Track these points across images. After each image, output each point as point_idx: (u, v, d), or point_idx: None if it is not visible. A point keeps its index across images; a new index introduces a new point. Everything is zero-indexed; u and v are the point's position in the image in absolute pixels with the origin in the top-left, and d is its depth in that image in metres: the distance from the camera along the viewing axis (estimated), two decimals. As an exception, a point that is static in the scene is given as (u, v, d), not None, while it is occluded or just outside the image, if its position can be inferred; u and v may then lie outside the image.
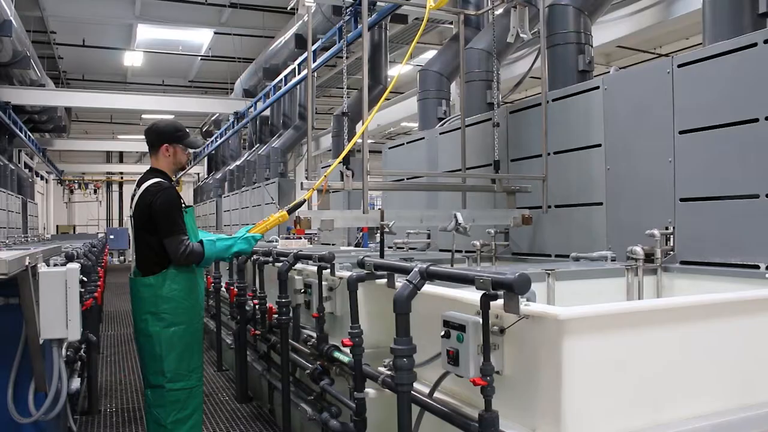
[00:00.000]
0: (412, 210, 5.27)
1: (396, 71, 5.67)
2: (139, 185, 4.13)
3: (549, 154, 5.11)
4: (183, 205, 4.13)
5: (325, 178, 4.49)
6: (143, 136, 4.33)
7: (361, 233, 9.39)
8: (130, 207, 4.18)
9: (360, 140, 4.62)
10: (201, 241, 4.10)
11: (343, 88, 5.24)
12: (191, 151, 4.47)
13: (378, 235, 4.75)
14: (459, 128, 5.83)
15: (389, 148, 7.80)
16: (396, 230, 4.78)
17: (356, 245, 9.27)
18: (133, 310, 4.12)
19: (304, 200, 4.45)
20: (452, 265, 4.96)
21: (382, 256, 4.53)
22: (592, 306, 2.30)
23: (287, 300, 4.74)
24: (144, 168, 4.32)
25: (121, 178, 35.73)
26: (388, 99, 16.40)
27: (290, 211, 4.41)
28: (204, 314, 4.60)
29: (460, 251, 5.81)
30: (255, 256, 5.70)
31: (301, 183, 4.64)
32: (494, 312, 2.40)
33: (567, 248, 4.90)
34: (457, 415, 2.54)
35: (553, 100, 5.13)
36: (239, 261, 6.30)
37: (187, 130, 4.37)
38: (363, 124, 4.53)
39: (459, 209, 5.18)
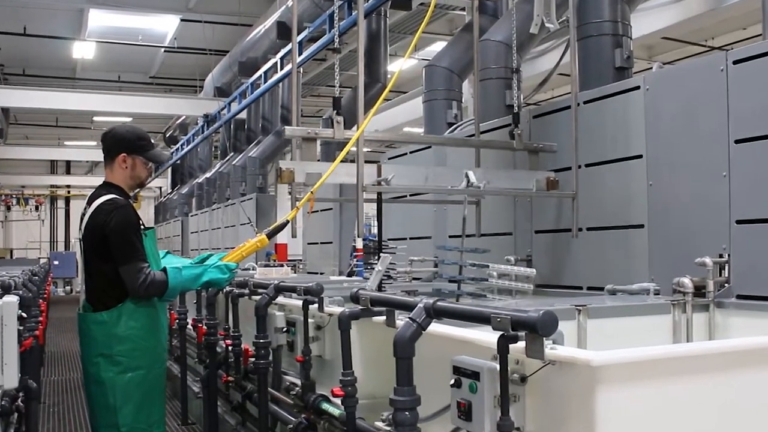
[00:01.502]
0: (416, 166, 5.24)
1: (397, 66, 5.70)
2: (90, 202, 4.13)
3: (580, 166, 5.12)
4: (142, 227, 4.13)
5: (311, 194, 4.49)
6: (96, 143, 4.35)
7: (355, 260, 9.40)
8: (80, 228, 4.17)
9: (354, 148, 4.64)
10: (164, 269, 4.09)
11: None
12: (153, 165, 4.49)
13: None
14: (472, 135, 5.86)
15: (389, 158, 7.82)
16: (400, 252, 4.79)
17: (349, 274, 9.26)
18: (82, 352, 4.10)
19: (287, 221, 4.42)
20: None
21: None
22: (631, 350, 2.30)
23: (266, 340, 4.73)
24: (96, 181, 4.34)
25: (68, 192, 35.78)
26: (388, 99, 16.48)
27: (270, 236, 4.36)
28: (167, 357, 4.60)
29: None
30: (228, 288, 5.69)
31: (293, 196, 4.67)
32: (514, 357, 2.40)
33: (601, 279, 4.90)
34: (469, 480, 2.53)
35: (585, 103, 5.15)
36: (209, 293, 6.29)
37: (152, 141, 4.39)
38: (358, 128, 4.55)
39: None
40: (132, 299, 4.01)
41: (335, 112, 4.83)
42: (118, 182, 4.22)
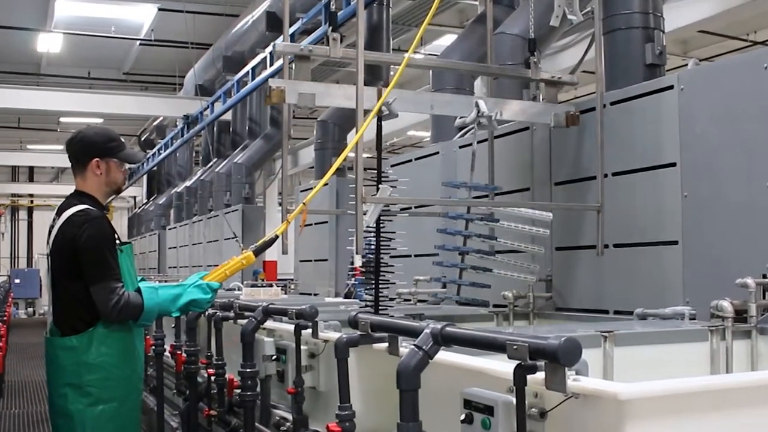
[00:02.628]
0: (421, 93, 5.26)
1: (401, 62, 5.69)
2: (59, 213, 4.14)
3: (606, 175, 5.13)
4: (117, 241, 4.15)
5: (304, 205, 4.50)
6: (63, 147, 4.37)
7: (353, 279, 9.39)
8: (47, 242, 4.18)
9: (352, 154, 4.65)
10: (139, 290, 4.10)
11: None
12: (128, 167, 4.50)
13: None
14: (485, 140, 5.87)
15: (392, 165, 7.83)
16: (401, 275, 4.80)
17: (347, 296, 9.27)
18: (49, 381, 4.12)
19: (277, 236, 4.40)
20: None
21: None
22: (664, 381, 2.30)
23: (253, 370, 4.72)
24: (63, 189, 4.40)
25: (31, 202, 35.85)
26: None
27: (258, 252, 4.36)
28: (142, 388, 4.61)
29: (486, 304, 5.82)
30: (210, 311, 5.70)
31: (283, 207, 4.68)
32: (532, 389, 2.40)
33: (630, 302, 4.90)
34: None
35: (612, 104, 5.16)
36: (189, 317, 6.29)
37: (123, 141, 4.42)
38: (357, 132, 4.56)
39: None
40: (104, 323, 4.01)
41: (330, 28, 4.86)
42: (92, 191, 4.25)
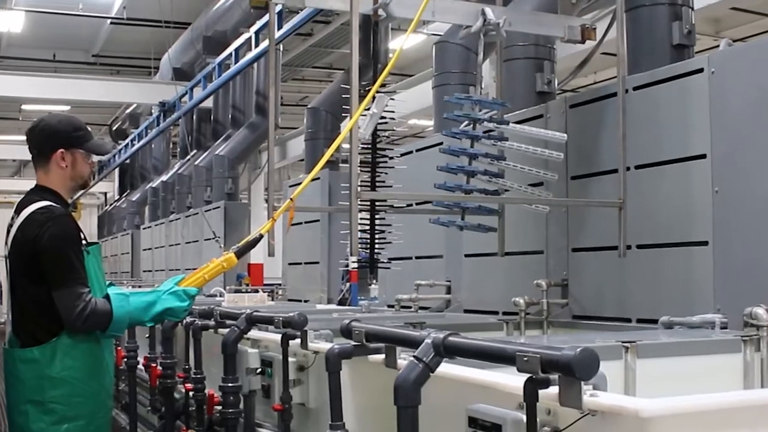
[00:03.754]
0: None
1: (400, 43, 5.70)
2: (18, 211, 4.13)
3: (628, 168, 5.13)
4: (84, 242, 4.15)
5: (291, 202, 4.50)
6: (24, 138, 4.37)
7: (347, 283, 9.40)
8: (6, 242, 4.17)
9: (346, 144, 4.64)
10: (107, 297, 4.10)
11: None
12: (95, 159, 4.50)
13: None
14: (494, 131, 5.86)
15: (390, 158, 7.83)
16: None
17: (340, 302, 9.28)
18: (8, 398, 4.13)
19: (261, 236, 4.39)
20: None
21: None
22: (691, 397, 2.30)
23: (236, 384, 4.73)
24: (25, 185, 4.43)
25: (-11, 198, 35.80)
26: (389, 84, 16.46)
27: (240, 254, 4.36)
28: (113, 404, 4.61)
29: (495, 312, 5.82)
30: (189, 319, 5.70)
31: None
32: (545, 405, 2.40)
33: (655, 309, 4.91)
34: None
35: (635, 89, 5.16)
36: (164, 326, 6.29)
37: (89, 130, 4.42)
38: (350, 118, 4.56)
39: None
40: (68, 333, 4.01)
41: None
42: (55, 186, 4.25)
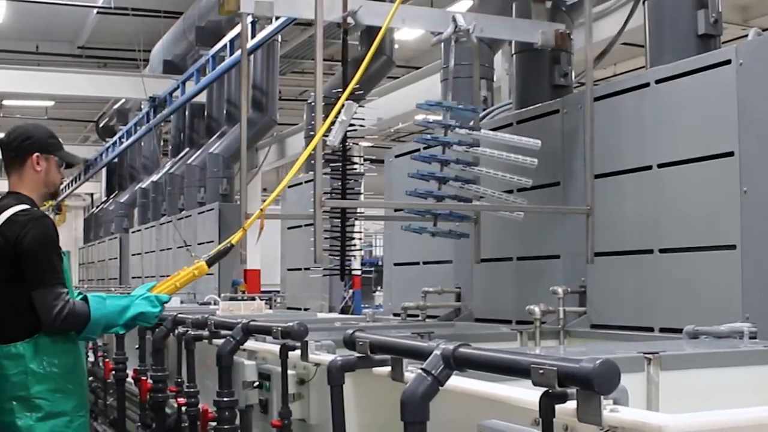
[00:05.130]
0: (388, 4, 5.45)
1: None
2: None
3: (650, 167, 5.13)
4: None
5: (261, 212, 4.65)
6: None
7: (350, 290, 9.40)
8: None
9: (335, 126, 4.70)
10: (85, 298, 4.33)
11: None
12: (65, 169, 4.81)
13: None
14: (509, 124, 5.87)
15: (395, 156, 7.83)
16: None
17: (343, 311, 9.28)
18: None
19: (231, 246, 4.73)
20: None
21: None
22: (718, 412, 2.30)
23: (232, 399, 4.73)
24: (5, 185, 4.61)
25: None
26: (395, 77, 16.49)
27: (211, 262, 4.69)
28: (87, 407, 4.81)
29: (508, 322, 5.81)
30: (182, 328, 5.70)
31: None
32: (562, 421, 2.39)
33: (679, 318, 4.90)
34: None
35: (657, 82, 5.16)
36: (155, 336, 6.30)
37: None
38: (342, 97, 4.59)
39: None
40: (46, 333, 4.24)
41: None
42: (29, 191, 4.52)
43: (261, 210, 4.70)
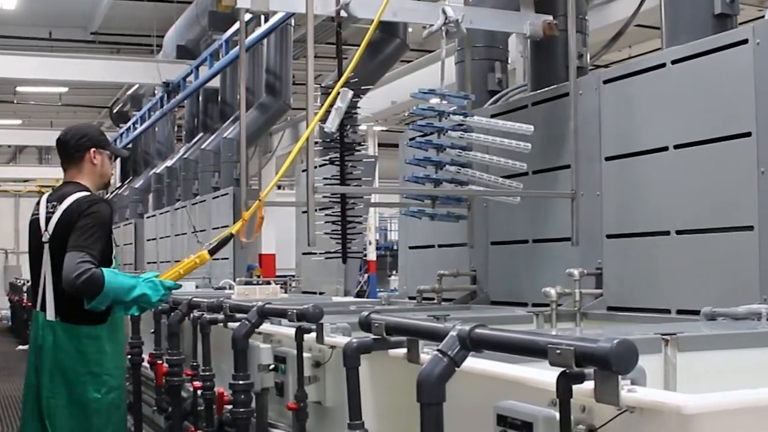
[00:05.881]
0: None
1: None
2: (59, 200, 4.90)
3: (666, 148, 5.12)
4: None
5: (260, 203, 4.71)
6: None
7: (365, 275, 9.41)
8: (45, 228, 4.95)
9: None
10: (100, 270, 4.71)
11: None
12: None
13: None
14: (524, 106, 5.86)
15: (410, 140, 7.82)
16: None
17: (358, 295, 9.29)
18: (62, 368, 4.86)
19: (231, 236, 5.15)
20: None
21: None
22: (736, 393, 2.29)
23: (247, 382, 4.74)
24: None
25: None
26: (408, 61, 16.45)
27: (213, 251, 5.08)
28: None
29: (524, 304, 5.81)
30: (197, 312, 5.72)
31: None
32: (579, 402, 2.40)
33: (696, 299, 4.89)
34: None
35: (673, 63, 5.15)
36: (170, 320, 6.32)
37: None
38: (310, 115, 4.62)
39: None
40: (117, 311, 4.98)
41: None
42: (85, 182, 5.11)
43: (260, 201, 4.81)
